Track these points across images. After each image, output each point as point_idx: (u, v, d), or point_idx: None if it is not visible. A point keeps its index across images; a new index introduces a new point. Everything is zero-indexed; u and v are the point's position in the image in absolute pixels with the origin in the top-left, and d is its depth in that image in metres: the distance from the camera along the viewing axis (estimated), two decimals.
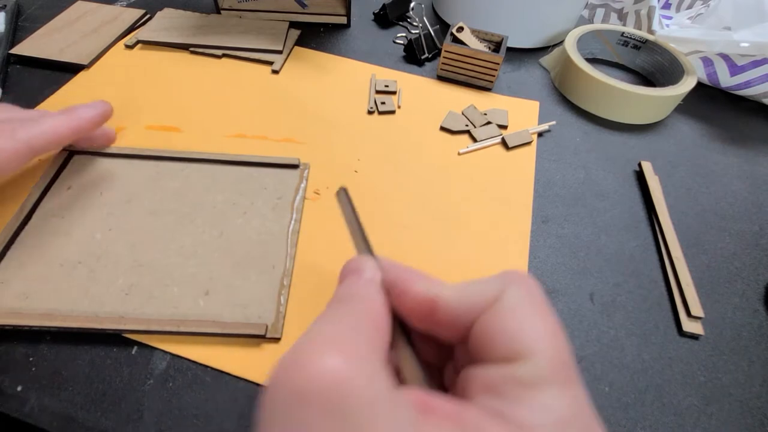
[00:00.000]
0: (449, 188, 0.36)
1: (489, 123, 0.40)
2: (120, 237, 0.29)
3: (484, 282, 0.15)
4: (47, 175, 0.32)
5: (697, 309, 0.29)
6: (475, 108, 0.42)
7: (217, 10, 0.48)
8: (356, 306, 0.15)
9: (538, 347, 0.13)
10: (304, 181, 0.33)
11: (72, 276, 0.27)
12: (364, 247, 0.18)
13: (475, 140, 0.39)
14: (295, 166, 0.34)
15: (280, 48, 0.45)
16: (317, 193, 0.34)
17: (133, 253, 0.28)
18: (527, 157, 0.39)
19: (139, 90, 0.40)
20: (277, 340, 0.26)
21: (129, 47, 0.44)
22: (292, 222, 0.31)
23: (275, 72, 0.43)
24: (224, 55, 0.44)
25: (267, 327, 0.26)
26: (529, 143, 0.39)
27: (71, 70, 0.41)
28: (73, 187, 0.32)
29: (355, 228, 0.19)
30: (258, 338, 0.26)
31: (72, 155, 0.33)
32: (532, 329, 0.13)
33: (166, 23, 0.46)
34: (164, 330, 0.25)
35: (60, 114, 0.30)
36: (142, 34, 0.45)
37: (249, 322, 0.26)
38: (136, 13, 0.47)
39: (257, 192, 0.32)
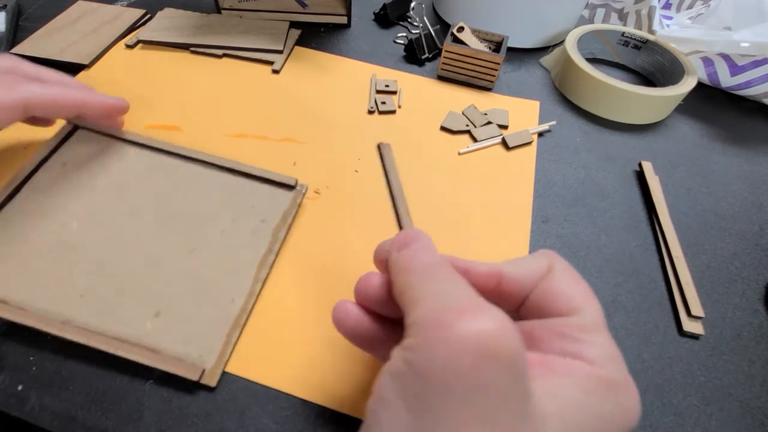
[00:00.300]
0: (449, 188, 0.36)
1: (489, 123, 0.40)
2: (95, 231, 0.28)
3: (533, 258, 0.19)
4: (48, 146, 0.31)
5: (697, 309, 0.29)
6: (475, 108, 0.42)
7: (218, 9, 0.48)
8: (448, 269, 0.16)
9: (586, 303, 0.18)
10: (296, 208, 0.31)
11: (37, 264, 0.26)
12: (407, 219, 0.21)
13: (475, 140, 0.39)
14: (290, 187, 0.32)
15: (281, 48, 0.45)
16: (317, 193, 0.34)
17: (101, 252, 0.28)
18: (527, 157, 0.39)
19: (140, 89, 0.40)
20: (210, 389, 0.24)
21: (129, 47, 0.44)
22: (268, 254, 0.29)
23: (276, 72, 0.43)
24: (225, 55, 0.44)
25: (203, 372, 0.24)
26: (529, 143, 0.39)
27: (72, 69, 0.41)
28: (68, 164, 0.31)
29: (398, 189, 0.22)
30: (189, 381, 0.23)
31: (76, 129, 0.33)
32: (579, 290, 0.18)
33: (167, 23, 0.46)
34: (100, 349, 0.24)
35: (72, 86, 0.30)
36: (142, 33, 0.45)
37: (188, 358, 0.24)
38: (137, 12, 0.47)
39: (243, 209, 0.31)
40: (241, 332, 0.26)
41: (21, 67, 0.30)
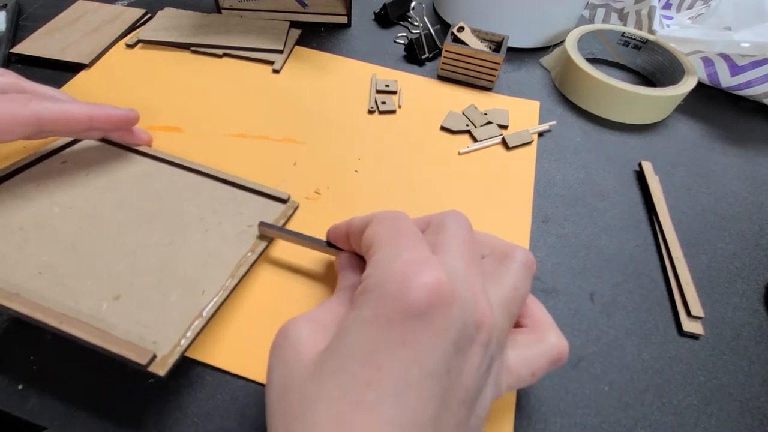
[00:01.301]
0: (450, 188, 0.36)
1: (489, 123, 0.40)
2: (75, 217, 0.28)
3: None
4: (52, 147, 0.32)
5: (697, 309, 0.29)
6: (475, 108, 0.42)
7: (218, 9, 0.48)
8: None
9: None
10: (285, 220, 0.31)
11: (5, 239, 0.26)
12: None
13: (475, 140, 0.39)
14: (282, 201, 0.32)
15: (281, 47, 0.45)
16: (318, 193, 0.34)
17: (74, 236, 0.27)
18: (527, 157, 0.39)
19: (140, 90, 0.40)
20: (159, 378, 0.23)
21: (130, 46, 0.44)
22: (249, 254, 0.28)
23: (276, 71, 0.43)
24: (225, 55, 0.44)
25: (154, 357, 0.22)
26: (529, 143, 0.40)
27: (72, 69, 0.41)
28: (68, 162, 0.31)
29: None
30: (138, 367, 0.22)
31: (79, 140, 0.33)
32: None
33: (167, 23, 0.46)
34: (46, 322, 0.22)
35: (80, 102, 0.30)
36: (143, 33, 0.45)
37: (141, 342, 0.23)
38: (137, 12, 0.47)
39: (231, 215, 0.30)
40: (206, 324, 0.24)
41: (21, 84, 0.30)
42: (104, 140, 0.34)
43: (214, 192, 0.32)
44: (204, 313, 0.24)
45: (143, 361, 0.21)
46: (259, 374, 0.25)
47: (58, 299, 0.24)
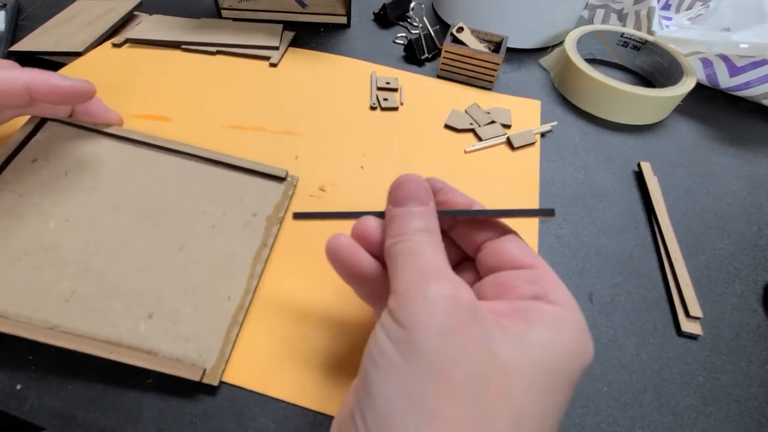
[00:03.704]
0: (457, 186, 0.35)
1: (493, 122, 0.40)
2: (75, 231, 0.27)
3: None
4: (14, 142, 0.29)
5: (695, 309, 0.29)
6: (478, 106, 0.42)
7: (218, 10, 0.48)
8: (430, 240, 0.19)
9: (538, 260, 0.21)
10: (288, 200, 0.30)
11: (15, 269, 0.25)
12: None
13: (480, 139, 0.39)
14: (281, 179, 0.30)
15: (277, 44, 0.44)
16: (323, 190, 0.33)
17: (83, 253, 0.26)
18: (532, 157, 0.39)
19: (126, 80, 0.38)
20: (213, 389, 0.23)
21: (117, 46, 0.43)
22: (262, 248, 0.28)
23: (273, 65, 0.43)
24: (218, 52, 0.44)
25: (204, 371, 0.23)
26: (533, 143, 0.39)
27: (67, 61, 0.41)
28: (38, 160, 0.29)
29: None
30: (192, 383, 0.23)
31: (45, 121, 0.30)
32: (530, 251, 0.21)
33: (155, 25, 0.45)
34: (93, 354, 0.23)
35: (19, 68, 0.27)
36: (131, 33, 0.44)
37: (187, 359, 0.23)
38: (131, 2, 0.47)
39: (232, 202, 0.29)
40: (240, 329, 0.25)
41: None
42: (70, 123, 0.31)
43: (206, 177, 0.30)
44: (238, 319, 0.25)
45: (196, 377, 0.23)
46: (256, 382, 0.25)
47: (97, 326, 0.24)
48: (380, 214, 0.21)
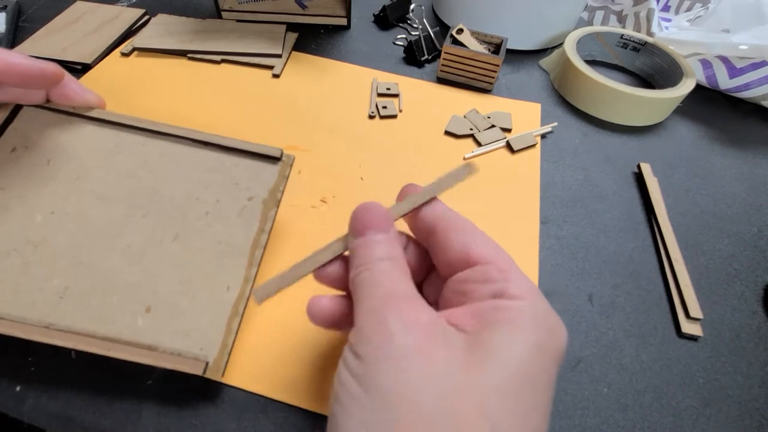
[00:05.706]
0: (456, 193, 0.35)
1: (492, 126, 0.40)
2: (62, 223, 0.26)
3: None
4: None
5: (695, 310, 0.29)
6: (477, 112, 0.42)
7: (218, 11, 0.48)
8: (389, 263, 0.19)
9: (494, 251, 0.20)
10: (284, 182, 0.28)
11: (3, 266, 0.24)
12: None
13: (479, 144, 0.39)
14: (275, 159, 0.28)
15: (279, 52, 0.45)
16: (324, 201, 0.33)
17: (73, 247, 0.25)
18: (532, 160, 0.39)
19: (136, 97, 0.39)
20: (213, 390, 0.23)
21: (125, 55, 0.43)
22: (260, 234, 0.26)
23: (276, 76, 0.43)
24: (223, 61, 0.44)
25: (207, 365, 0.22)
26: (533, 146, 0.40)
27: (73, 69, 0.41)
28: (17, 149, 0.27)
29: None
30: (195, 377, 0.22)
31: (20, 108, 0.29)
32: (487, 243, 0.20)
33: (162, 29, 0.46)
34: (92, 352, 0.22)
35: None
36: (137, 41, 0.44)
37: (189, 353, 0.23)
38: (136, 12, 0.47)
39: (226, 187, 0.27)
40: (241, 320, 0.24)
41: None
42: (47, 107, 0.29)
43: (196, 160, 0.28)
44: (239, 309, 0.24)
45: (199, 372, 0.22)
46: (260, 388, 0.25)
47: (94, 323, 0.23)
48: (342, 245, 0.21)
